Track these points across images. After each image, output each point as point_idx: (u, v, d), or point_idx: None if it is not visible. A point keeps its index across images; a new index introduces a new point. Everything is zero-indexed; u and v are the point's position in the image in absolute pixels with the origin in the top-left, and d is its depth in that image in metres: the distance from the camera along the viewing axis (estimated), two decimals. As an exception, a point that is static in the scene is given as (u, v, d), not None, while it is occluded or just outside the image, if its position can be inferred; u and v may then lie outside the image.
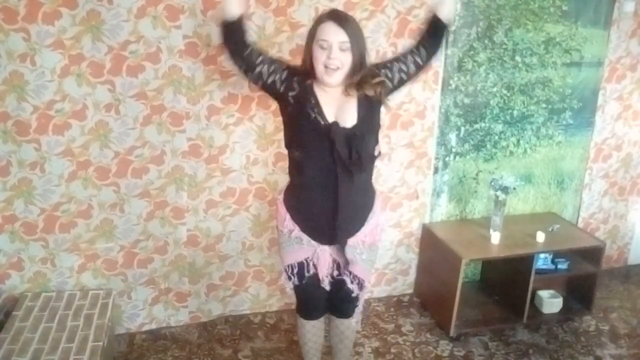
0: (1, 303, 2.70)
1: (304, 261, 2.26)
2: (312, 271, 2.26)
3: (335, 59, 1.99)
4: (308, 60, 2.04)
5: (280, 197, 2.30)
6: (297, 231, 2.22)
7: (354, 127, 2.06)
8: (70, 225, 2.77)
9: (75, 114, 2.60)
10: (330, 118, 2.06)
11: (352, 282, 2.28)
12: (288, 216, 2.23)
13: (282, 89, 2.07)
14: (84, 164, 2.69)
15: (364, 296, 2.40)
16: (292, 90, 2.06)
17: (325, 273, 2.27)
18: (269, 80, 2.06)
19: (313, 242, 2.22)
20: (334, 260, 2.27)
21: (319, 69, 2.01)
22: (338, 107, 2.08)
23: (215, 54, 2.69)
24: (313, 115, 2.05)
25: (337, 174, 2.07)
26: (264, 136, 2.90)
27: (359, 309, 2.43)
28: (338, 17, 2.01)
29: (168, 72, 2.66)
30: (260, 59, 2.05)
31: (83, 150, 2.67)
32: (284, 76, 2.07)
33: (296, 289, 2.38)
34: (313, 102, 2.05)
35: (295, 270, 2.28)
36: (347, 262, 2.24)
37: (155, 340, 3.00)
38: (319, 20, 2.03)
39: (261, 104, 2.84)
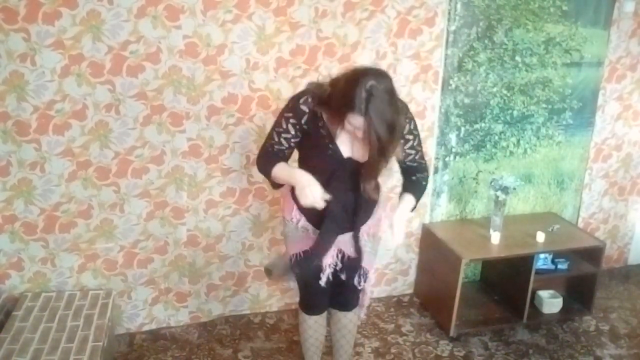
0: (1, 303, 2.70)
1: (309, 250, 2.27)
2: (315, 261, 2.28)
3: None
4: (335, 114, 1.95)
5: (288, 187, 2.31)
6: (303, 221, 2.25)
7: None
8: (70, 225, 2.77)
9: (75, 114, 2.60)
10: (346, 153, 2.09)
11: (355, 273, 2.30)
12: (295, 207, 2.25)
13: (301, 138, 2.12)
14: (84, 164, 2.69)
15: (369, 288, 2.42)
16: (308, 134, 2.09)
17: (329, 262, 2.28)
18: (294, 144, 2.13)
19: (317, 231, 2.24)
20: (339, 251, 2.28)
21: (347, 128, 1.96)
22: (353, 143, 2.07)
23: (215, 54, 2.69)
24: (329, 152, 2.07)
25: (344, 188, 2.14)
26: (264, 136, 2.88)
27: (365, 301, 2.48)
28: (370, 110, 1.82)
29: (168, 72, 2.66)
30: (287, 153, 2.14)
31: (83, 150, 2.67)
32: (297, 134, 2.09)
33: (299, 280, 2.40)
34: (327, 140, 2.06)
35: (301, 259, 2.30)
36: (355, 251, 2.26)
37: (155, 340, 3.00)
38: (352, 105, 1.83)
39: (261, 104, 2.84)
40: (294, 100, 2.07)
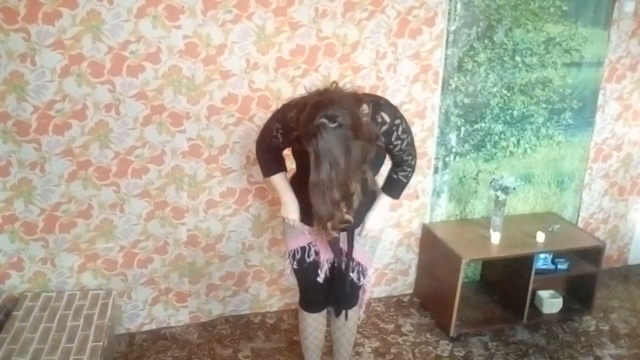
0: (1, 303, 2.70)
1: (307, 246, 2.33)
2: (312, 257, 2.32)
3: None
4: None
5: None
6: (299, 221, 2.30)
7: None
8: (70, 225, 2.77)
9: (75, 114, 2.60)
10: None
11: (353, 270, 2.33)
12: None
13: (293, 150, 2.20)
14: (84, 164, 2.69)
15: (367, 287, 2.44)
16: (297, 145, 2.09)
17: (326, 257, 2.32)
18: (288, 144, 2.20)
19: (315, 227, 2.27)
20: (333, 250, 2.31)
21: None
22: None
23: (215, 54, 2.69)
24: None
25: None
26: (264, 136, 2.90)
27: (363, 299, 2.49)
28: (314, 146, 1.86)
29: (168, 72, 2.66)
30: (282, 147, 2.24)
31: (83, 150, 2.67)
32: (286, 142, 2.17)
33: (298, 276, 2.42)
34: None
35: (299, 255, 2.34)
36: (349, 248, 2.30)
37: (155, 340, 3.00)
38: (303, 137, 1.89)
39: (261, 104, 2.84)
40: (283, 114, 2.11)
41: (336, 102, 1.87)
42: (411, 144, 2.20)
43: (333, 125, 1.82)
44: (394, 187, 2.31)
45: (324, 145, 1.82)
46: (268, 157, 2.29)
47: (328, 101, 1.87)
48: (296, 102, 2.08)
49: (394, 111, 2.10)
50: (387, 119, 2.06)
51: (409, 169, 2.27)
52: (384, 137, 2.07)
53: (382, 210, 2.33)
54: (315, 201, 1.93)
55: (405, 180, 2.29)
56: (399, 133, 2.11)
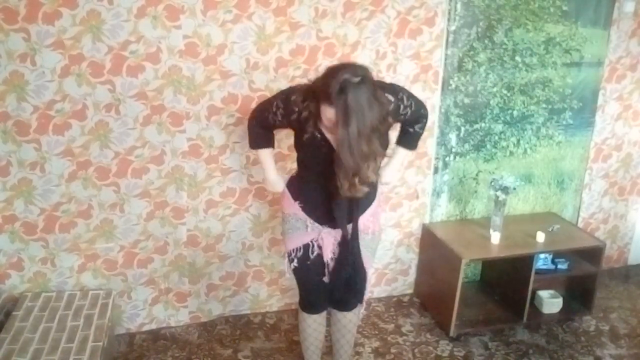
0: (1, 303, 2.70)
1: (310, 242, 2.31)
2: (316, 252, 2.31)
3: None
4: (315, 107, 2.02)
5: (286, 182, 2.39)
6: (300, 213, 2.29)
7: None
8: (70, 225, 2.77)
9: (75, 114, 2.60)
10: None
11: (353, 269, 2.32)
12: (292, 199, 2.31)
13: (294, 129, 2.20)
14: (84, 164, 2.69)
15: (367, 286, 2.43)
16: (303, 131, 2.12)
17: (329, 256, 2.32)
18: (286, 124, 2.21)
19: (317, 224, 2.27)
20: (339, 244, 2.30)
21: (325, 123, 2.04)
22: None
23: (215, 54, 2.69)
24: (324, 150, 2.10)
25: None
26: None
27: (363, 298, 2.48)
28: (340, 102, 1.88)
29: (168, 72, 2.66)
30: (278, 126, 2.26)
31: (83, 150, 2.67)
32: (284, 123, 2.20)
33: (298, 277, 2.41)
34: (319, 137, 2.10)
35: (300, 253, 2.33)
36: (352, 242, 2.29)
37: (155, 340, 3.00)
38: (325, 96, 1.92)
39: (261, 104, 2.84)
40: (287, 95, 2.13)
41: (351, 64, 1.95)
42: (417, 101, 2.26)
43: (357, 79, 1.87)
44: (411, 139, 2.37)
45: (353, 99, 1.86)
46: (259, 131, 2.32)
47: (344, 63, 1.95)
48: (301, 87, 2.12)
49: (394, 88, 2.17)
50: (392, 98, 2.12)
51: (424, 119, 2.33)
52: (391, 117, 2.11)
53: (399, 163, 2.44)
54: (344, 156, 1.94)
55: (421, 131, 2.36)
56: (405, 103, 2.17)
